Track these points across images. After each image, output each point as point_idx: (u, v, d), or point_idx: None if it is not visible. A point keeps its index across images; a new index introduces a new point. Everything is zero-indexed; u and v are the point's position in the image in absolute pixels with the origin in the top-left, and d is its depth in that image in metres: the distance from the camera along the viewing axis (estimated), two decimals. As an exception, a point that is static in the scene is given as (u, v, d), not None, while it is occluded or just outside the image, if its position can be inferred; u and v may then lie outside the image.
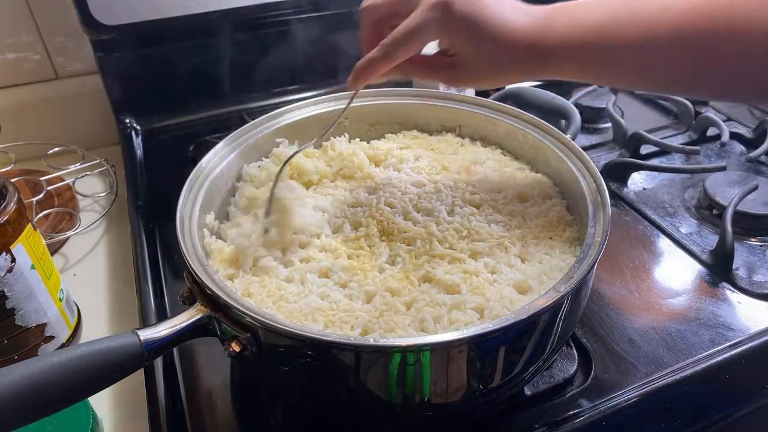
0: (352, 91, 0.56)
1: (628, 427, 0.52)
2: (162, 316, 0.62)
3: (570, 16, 0.50)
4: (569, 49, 0.50)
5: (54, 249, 0.79)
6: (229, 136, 0.63)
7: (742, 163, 0.86)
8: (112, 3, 0.84)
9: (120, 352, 0.41)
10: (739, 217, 0.71)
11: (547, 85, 0.97)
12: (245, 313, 0.42)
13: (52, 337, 0.60)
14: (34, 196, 0.80)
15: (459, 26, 0.50)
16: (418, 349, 0.41)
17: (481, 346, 0.43)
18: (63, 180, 0.86)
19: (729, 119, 0.96)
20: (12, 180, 0.64)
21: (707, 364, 0.56)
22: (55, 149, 0.92)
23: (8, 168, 0.87)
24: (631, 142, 0.87)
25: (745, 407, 0.54)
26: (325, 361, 0.43)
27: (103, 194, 0.88)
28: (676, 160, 0.87)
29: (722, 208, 0.72)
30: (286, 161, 0.59)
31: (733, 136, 0.90)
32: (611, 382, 0.55)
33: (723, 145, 0.86)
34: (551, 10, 0.51)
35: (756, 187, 0.73)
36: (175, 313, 0.45)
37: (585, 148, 0.67)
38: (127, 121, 0.95)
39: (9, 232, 0.53)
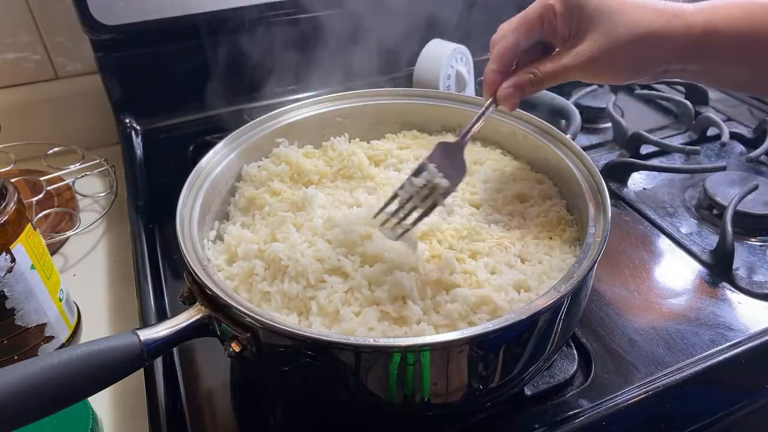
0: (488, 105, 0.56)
1: (628, 427, 0.52)
2: (162, 316, 0.62)
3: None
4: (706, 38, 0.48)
5: (54, 249, 0.79)
6: (229, 136, 0.63)
7: (742, 163, 0.86)
8: (112, 3, 0.84)
9: (120, 352, 0.41)
10: (739, 217, 0.71)
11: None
12: (245, 313, 0.42)
13: (52, 337, 0.60)
14: (34, 196, 0.80)
15: (585, 16, 0.49)
16: (418, 349, 0.41)
17: (481, 346, 0.43)
18: (63, 180, 0.86)
19: (729, 119, 0.96)
20: (12, 180, 0.64)
21: (707, 364, 0.56)
22: (55, 149, 0.92)
23: (8, 168, 0.87)
24: (631, 142, 0.87)
25: (745, 407, 0.54)
26: (325, 361, 0.43)
27: (103, 194, 0.88)
28: (676, 160, 0.87)
29: (722, 208, 0.72)
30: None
31: (733, 136, 0.90)
32: (611, 382, 0.55)
33: (723, 145, 0.87)
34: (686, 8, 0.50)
35: (756, 187, 0.73)
36: (175, 313, 0.45)
37: (585, 148, 0.67)
38: (127, 121, 0.95)
39: (9, 232, 0.53)
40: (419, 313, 0.47)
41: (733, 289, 0.65)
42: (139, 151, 0.91)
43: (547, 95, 0.93)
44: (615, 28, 0.49)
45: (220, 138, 0.63)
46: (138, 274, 0.67)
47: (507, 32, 0.52)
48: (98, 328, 0.68)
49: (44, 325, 0.59)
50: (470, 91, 0.97)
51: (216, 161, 0.61)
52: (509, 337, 0.44)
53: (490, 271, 0.52)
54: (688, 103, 0.95)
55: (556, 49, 0.54)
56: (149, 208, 0.78)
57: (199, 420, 0.53)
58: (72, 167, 0.88)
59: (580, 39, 0.50)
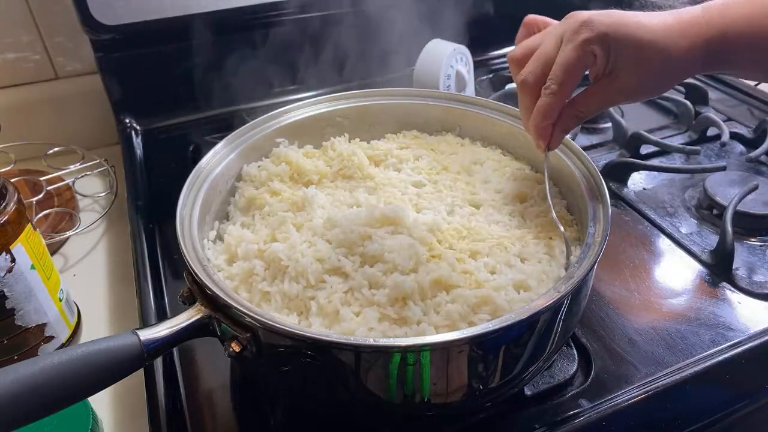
0: (545, 154, 0.57)
1: (628, 427, 0.52)
2: (162, 316, 0.62)
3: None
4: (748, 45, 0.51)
5: (54, 249, 0.79)
6: (229, 136, 0.63)
7: (742, 163, 0.86)
8: (112, 3, 0.84)
9: (120, 352, 0.41)
10: (739, 217, 0.71)
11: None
12: (245, 313, 0.42)
13: (52, 337, 0.60)
14: (34, 196, 0.80)
15: (622, 54, 0.51)
16: (418, 349, 0.41)
17: (481, 346, 0.43)
18: (63, 180, 0.86)
19: (729, 119, 0.96)
20: (12, 180, 0.64)
21: (707, 364, 0.56)
22: (55, 149, 0.92)
23: (8, 168, 0.87)
24: (631, 142, 0.87)
25: (745, 407, 0.54)
26: (325, 361, 0.43)
27: (103, 194, 0.88)
28: (676, 160, 0.87)
29: (722, 208, 0.71)
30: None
31: (733, 136, 0.90)
32: (611, 382, 0.55)
33: (723, 145, 0.86)
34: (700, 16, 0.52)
35: (756, 187, 0.73)
36: (175, 313, 0.45)
37: (585, 148, 0.67)
38: (127, 121, 0.95)
39: (9, 232, 0.53)
40: (419, 314, 0.47)
41: (733, 289, 0.65)
42: (139, 151, 0.91)
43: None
44: (648, 59, 0.51)
45: (220, 138, 0.63)
46: (138, 274, 0.67)
47: (556, 88, 0.52)
48: (98, 328, 0.68)
49: (44, 325, 0.59)
50: (470, 91, 0.97)
51: (216, 161, 0.61)
52: (509, 337, 0.44)
53: (490, 271, 0.51)
54: (688, 103, 0.95)
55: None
56: (149, 208, 0.78)
57: (199, 420, 0.53)
58: (72, 167, 0.88)
59: (617, 73, 0.52)
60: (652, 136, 0.86)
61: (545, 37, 0.54)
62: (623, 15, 0.52)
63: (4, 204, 0.52)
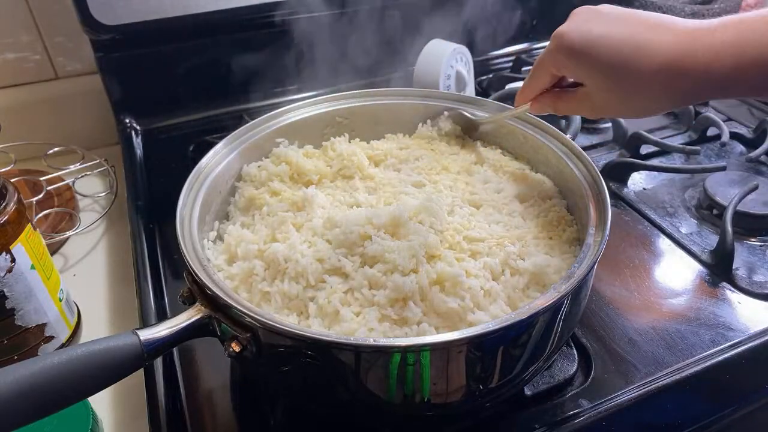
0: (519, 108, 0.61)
1: (628, 427, 0.52)
2: (162, 316, 0.62)
3: (737, 29, 0.43)
4: (739, 71, 0.42)
5: (54, 249, 0.79)
6: (229, 136, 0.63)
7: (742, 163, 0.86)
8: (112, 3, 0.84)
9: (120, 352, 0.41)
10: (739, 217, 0.71)
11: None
12: (245, 313, 0.42)
13: (52, 337, 0.60)
14: (34, 196, 0.80)
15: (574, 56, 0.49)
16: (418, 349, 0.41)
17: (480, 346, 0.43)
18: (63, 180, 0.86)
19: (729, 119, 0.96)
20: (12, 180, 0.64)
21: (707, 364, 0.56)
22: (55, 149, 0.92)
23: (8, 168, 0.87)
24: (631, 142, 0.87)
25: (745, 407, 0.54)
26: (325, 361, 0.43)
27: (103, 194, 0.88)
28: (676, 160, 0.87)
29: (722, 208, 0.72)
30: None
31: (733, 136, 0.90)
32: (611, 382, 0.55)
33: (723, 145, 0.87)
34: (714, 23, 0.44)
35: (756, 187, 0.73)
36: (175, 313, 0.45)
37: (585, 148, 0.67)
38: (127, 121, 0.95)
39: (9, 232, 0.53)
40: (419, 314, 0.47)
41: (733, 289, 0.65)
42: (139, 151, 0.91)
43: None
44: (616, 80, 0.48)
45: (220, 138, 0.63)
46: (138, 274, 0.67)
47: (528, 78, 0.57)
48: (98, 328, 0.68)
49: (44, 325, 0.59)
50: (470, 91, 0.97)
51: (216, 161, 0.61)
52: (509, 337, 0.44)
53: (489, 270, 0.51)
54: (688, 103, 0.95)
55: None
56: (149, 208, 0.78)
57: (199, 420, 0.53)
58: (72, 167, 0.88)
59: (585, 87, 0.52)
60: (652, 136, 0.86)
61: None
62: (600, 29, 0.48)
63: (4, 204, 0.52)
